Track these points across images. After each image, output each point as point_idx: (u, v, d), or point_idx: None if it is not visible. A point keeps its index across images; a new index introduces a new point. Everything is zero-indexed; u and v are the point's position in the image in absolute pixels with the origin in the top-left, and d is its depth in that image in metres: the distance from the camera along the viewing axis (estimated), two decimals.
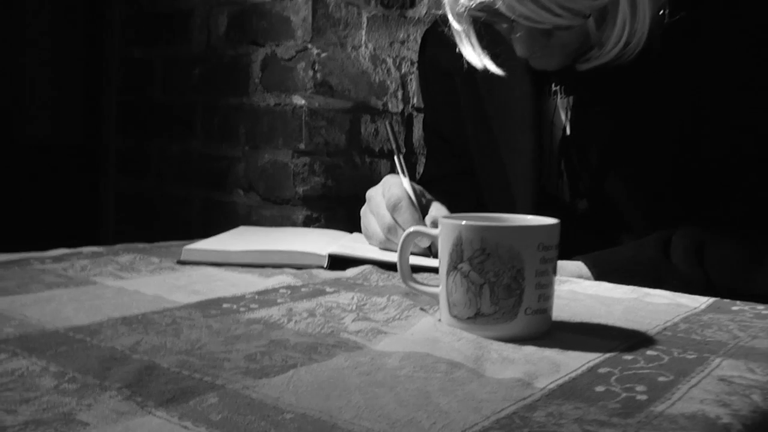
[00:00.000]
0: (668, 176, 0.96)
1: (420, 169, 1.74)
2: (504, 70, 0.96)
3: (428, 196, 0.98)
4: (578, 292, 0.77)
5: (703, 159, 0.93)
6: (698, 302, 0.73)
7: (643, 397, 0.45)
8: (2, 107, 1.96)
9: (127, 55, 1.99)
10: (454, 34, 0.95)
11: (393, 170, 0.98)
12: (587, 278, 0.90)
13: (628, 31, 0.84)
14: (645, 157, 0.97)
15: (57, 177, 2.05)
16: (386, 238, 0.93)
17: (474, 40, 0.94)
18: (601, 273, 0.90)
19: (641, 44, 0.85)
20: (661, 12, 0.84)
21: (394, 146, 0.98)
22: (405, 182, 0.94)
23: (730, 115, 0.92)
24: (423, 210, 0.93)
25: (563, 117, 1.02)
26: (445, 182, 1.20)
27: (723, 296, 0.76)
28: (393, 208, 0.91)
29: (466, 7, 0.87)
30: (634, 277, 0.86)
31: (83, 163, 2.09)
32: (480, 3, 0.84)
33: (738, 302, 0.73)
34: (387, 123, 1.03)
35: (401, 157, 0.97)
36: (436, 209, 0.93)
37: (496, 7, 0.83)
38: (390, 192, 0.93)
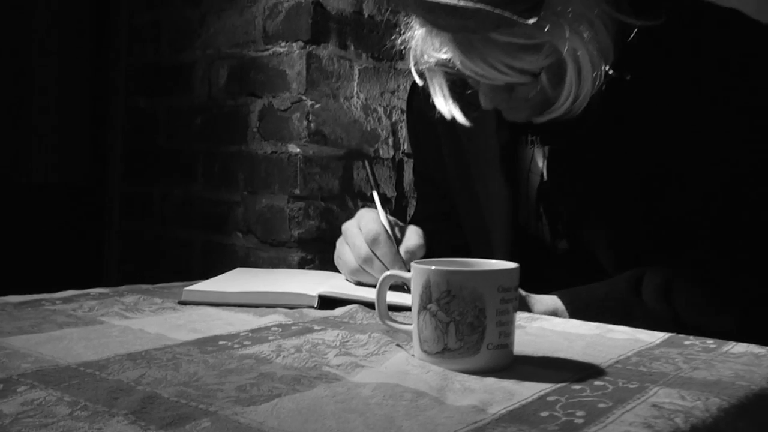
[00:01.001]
0: (638, 221, 1.01)
1: (411, 210, 1.81)
2: (476, 120, 1.00)
3: (400, 225, 1.04)
4: (546, 328, 0.82)
5: (667, 206, 0.98)
6: (655, 337, 0.78)
7: (581, 421, 0.51)
8: (10, 150, 2.02)
9: (132, 104, 2.06)
10: (428, 85, 0.99)
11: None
12: (562, 313, 0.96)
13: (575, 89, 0.88)
14: (615, 203, 1.01)
15: (64, 218, 2.11)
16: (360, 268, 0.99)
17: (446, 91, 0.98)
18: (575, 309, 0.96)
19: (586, 101, 0.89)
20: (595, 74, 0.88)
21: (372, 182, 1.06)
22: (382, 216, 1.00)
23: (682, 167, 0.96)
24: (397, 241, 0.99)
25: (540, 164, 1.08)
26: (433, 222, 1.26)
27: (689, 333, 0.80)
28: (372, 242, 0.98)
29: (428, 63, 0.92)
30: (606, 313, 0.92)
31: (89, 205, 2.15)
32: (440, 59, 0.90)
33: (691, 337, 0.78)
34: (366, 162, 1.09)
35: (378, 193, 1.04)
36: (409, 238, 1.00)
37: (452, 64, 0.89)
38: (368, 227, 0.99)
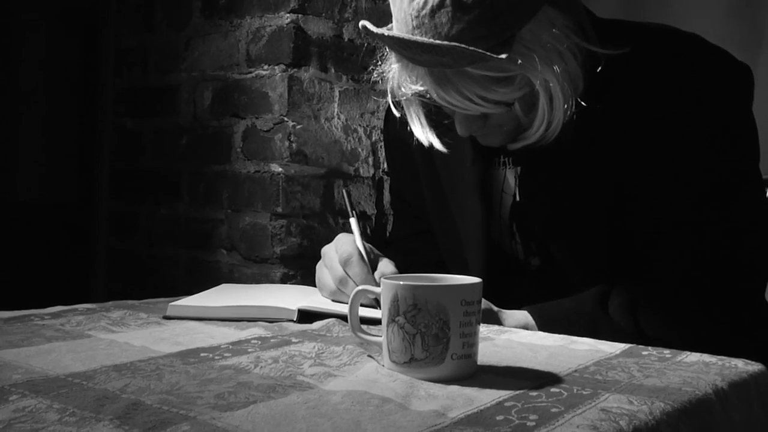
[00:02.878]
0: (604, 241, 1.04)
1: (390, 227, 1.85)
2: (452, 145, 1.03)
3: (377, 252, 1.08)
4: (513, 340, 0.86)
5: (633, 225, 1.02)
6: (615, 348, 0.82)
7: (532, 424, 0.55)
8: None
9: (120, 125, 2.10)
10: (405, 114, 1.03)
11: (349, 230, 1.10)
12: (532, 327, 0.99)
13: (547, 117, 0.92)
14: (582, 223, 1.05)
15: (51, 236, 2.13)
16: (337, 288, 1.02)
17: (423, 120, 1.02)
18: (544, 323, 0.99)
19: (558, 128, 0.94)
20: (567, 103, 0.92)
21: (349, 210, 1.10)
22: (357, 240, 1.04)
23: (645, 189, 1.00)
24: (373, 265, 1.02)
25: (512, 185, 1.11)
26: (409, 240, 1.30)
27: (652, 345, 0.83)
28: (345, 263, 1.01)
29: (405, 95, 0.96)
30: (573, 327, 0.95)
31: (77, 224, 2.17)
32: (417, 91, 0.94)
33: (650, 348, 0.82)
34: (344, 190, 1.13)
35: (356, 219, 1.08)
36: (385, 265, 1.03)
37: (428, 95, 0.93)
38: (342, 249, 1.02)
